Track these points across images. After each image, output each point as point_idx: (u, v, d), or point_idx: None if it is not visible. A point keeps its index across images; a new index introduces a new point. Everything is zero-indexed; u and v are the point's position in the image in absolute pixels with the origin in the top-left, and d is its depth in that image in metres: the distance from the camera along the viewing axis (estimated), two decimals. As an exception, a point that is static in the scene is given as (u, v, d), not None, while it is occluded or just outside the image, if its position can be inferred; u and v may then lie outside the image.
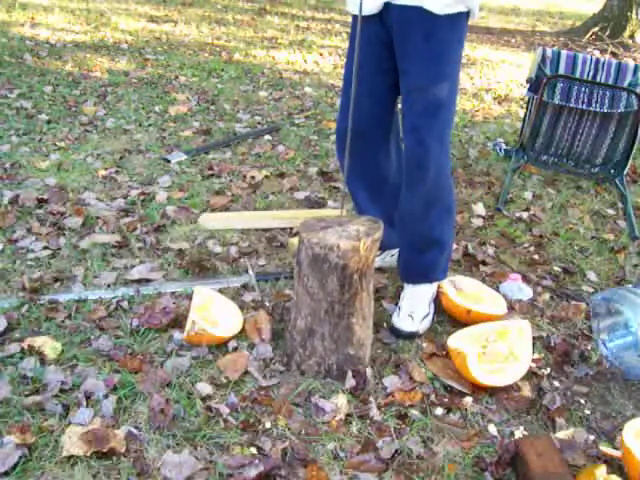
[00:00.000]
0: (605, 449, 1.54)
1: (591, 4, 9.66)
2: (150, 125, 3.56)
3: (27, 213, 2.45)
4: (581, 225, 2.76)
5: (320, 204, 2.73)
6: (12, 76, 4.21)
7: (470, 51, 6.43)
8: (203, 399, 1.60)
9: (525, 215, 2.79)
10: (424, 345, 1.87)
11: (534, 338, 1.90)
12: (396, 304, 2.00)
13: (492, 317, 1.92)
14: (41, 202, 2.53)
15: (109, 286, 2.05)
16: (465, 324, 1.89)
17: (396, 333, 1.89)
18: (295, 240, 2.29)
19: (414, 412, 1.62)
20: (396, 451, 1.49)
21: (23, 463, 1.39)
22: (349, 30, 1.84)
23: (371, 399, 1.64)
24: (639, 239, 2.67)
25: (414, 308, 1.92)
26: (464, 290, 2.01)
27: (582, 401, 1.72)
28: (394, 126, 1.98)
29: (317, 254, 1.56)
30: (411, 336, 1.89)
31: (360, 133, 1.87)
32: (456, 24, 1.69)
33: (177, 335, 1.81)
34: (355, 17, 1.81)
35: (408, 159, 1.81)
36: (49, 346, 1.72)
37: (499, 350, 1.76)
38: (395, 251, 2.21)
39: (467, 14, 1.73)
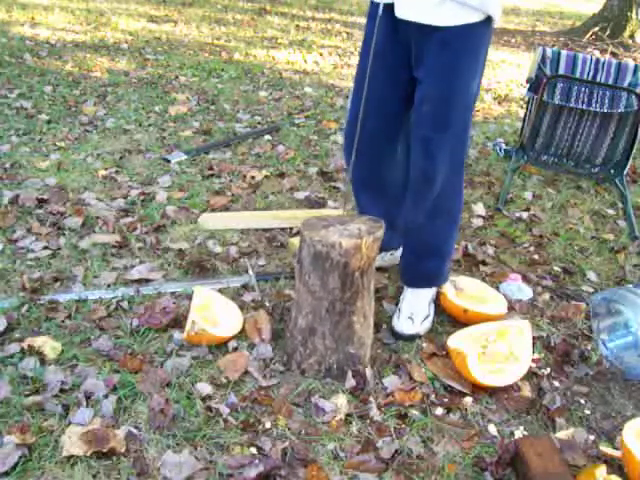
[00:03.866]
0: (605, 449, 1.54)
1: (591, 4, 9.66)
2: (150, 125, 3.56)
3: (27, 213, 2.45)
4: (581, 225, 2.76)
5: (320, 204, 2.73)
6: (12, 76, 4.20)
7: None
8: (203, 399, 1.60)
9: (525, 215, 2.79)
10: (424, 345, 1.87)
11: (534, 338, 1.90)
12: (396, 304, 2.00)
13: (490, 317, 1.92)
14: (41, 202, 2.53)
15: (109, 286, 2.05)
16: (465, 324, 1.89)
17: (396, 336, 1.89)
18: (295, 240, 2.28)
19: (414, 412, 1.62)
20: (396, 451, 1.49)
21: (23, 463, 1.39)
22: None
23: (371, 399, 1.64)
24: (639, 239, 2.67)
25: (414, 310, 1.92)
26: (465, 290, 2.01)
27: (582, 401, 1.72)
28: (404, 127, 1.87)
29: (319, 252, 1.56)
30: (412, 338, 1.88)
31: (367, 146, 1.83)
32: (473, 34, 1.61)
33: (177, 335, 1.81)
34: (372, 5, 1.71)
35: (414, 170, 1.77)
36: (49, 346, 1.72)
37: (499, 350, 1.76)
38: (395, 250, 2.20)
39: (488, 25, 1.63)
